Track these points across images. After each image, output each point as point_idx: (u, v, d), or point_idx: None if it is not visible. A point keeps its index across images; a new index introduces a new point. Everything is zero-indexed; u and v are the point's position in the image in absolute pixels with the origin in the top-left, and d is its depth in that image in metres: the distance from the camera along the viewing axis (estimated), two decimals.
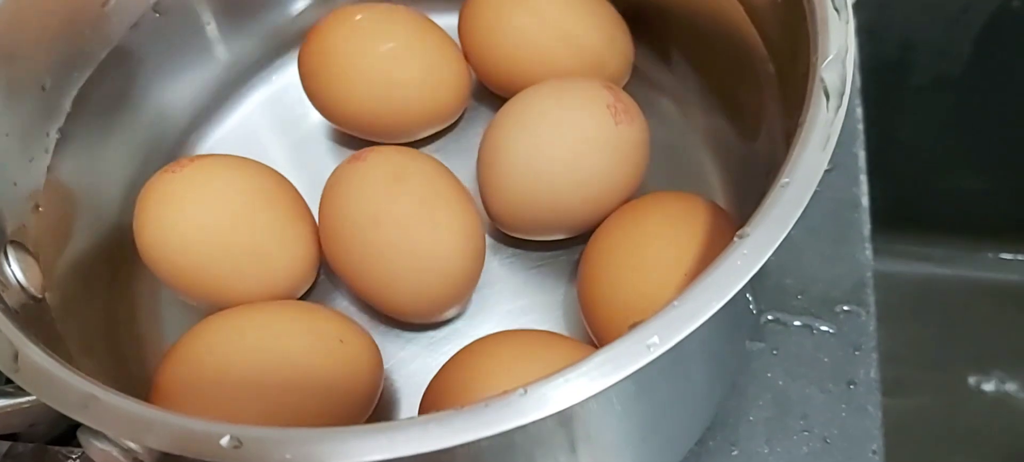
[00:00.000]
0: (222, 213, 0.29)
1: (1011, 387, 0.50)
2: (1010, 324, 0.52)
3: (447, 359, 0.27)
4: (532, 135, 0.29)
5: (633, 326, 0.19)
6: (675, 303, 0.19)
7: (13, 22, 0.27)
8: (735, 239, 0.20)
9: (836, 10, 0.24)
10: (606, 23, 0.33)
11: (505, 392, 0.18)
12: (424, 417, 0.18)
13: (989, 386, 0.51)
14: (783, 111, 0.28)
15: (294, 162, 0.35)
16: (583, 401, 0.18)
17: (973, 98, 0.46)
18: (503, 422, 0.18)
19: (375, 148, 0.31)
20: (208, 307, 0.29)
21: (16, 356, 0.20)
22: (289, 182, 0.32)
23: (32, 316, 0.24)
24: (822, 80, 0.22)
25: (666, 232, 0.27)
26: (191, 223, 0.28)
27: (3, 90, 0.27)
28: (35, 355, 0.20)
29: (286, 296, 0.31)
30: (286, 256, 0.30)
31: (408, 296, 0.29)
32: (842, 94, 0.22)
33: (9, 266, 0.25)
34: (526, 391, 0.18)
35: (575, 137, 0.28)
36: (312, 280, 0.32)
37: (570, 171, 0.28)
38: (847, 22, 0.24)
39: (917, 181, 0.50)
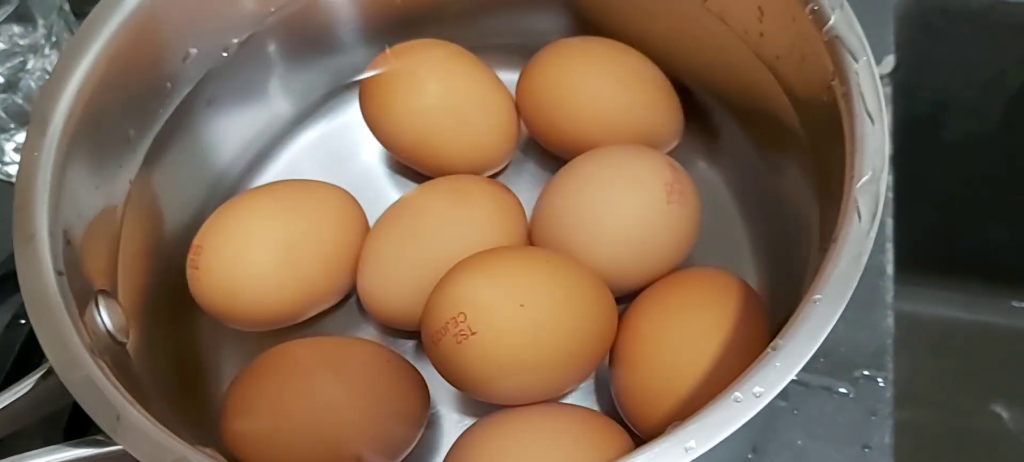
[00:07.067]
0: (262, 256, 0.30)
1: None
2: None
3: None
4: (589, 202, 0.30)
5: (673, 427, 0.21)
6: (711, 409, 0.21)
7: (102, 84, 0.28)
8: (768, 350, 0.22)
9: (871, 119, 0.25)
10: (657, 90, 0.34)
11: None
12: None
13: (1000, 421, 0.52)
14: (817, 188, 0.29)
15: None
16: None
17: (1002, 156, 0.47)
18: None
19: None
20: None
21: (118, 417, 0.22)
22: (321, 185, 0.33)
23: (117, 362, 0.25)
24: (856, 201, 0.23)
25: (697, 313, 0.28)
26: (236, 274, 0.30)
27: (94, 145, 0.28)
28: (133, 417, 0.22)
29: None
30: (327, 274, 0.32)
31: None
32: (875, 216, 0.23)
33: (99, 315, 0.26)
34: None
35: (628, 211, 0.30)
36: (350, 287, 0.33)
37: (619, 243, 0.30)
38: (883, 134, 0.25)
39: (943, 230, 0.51)
